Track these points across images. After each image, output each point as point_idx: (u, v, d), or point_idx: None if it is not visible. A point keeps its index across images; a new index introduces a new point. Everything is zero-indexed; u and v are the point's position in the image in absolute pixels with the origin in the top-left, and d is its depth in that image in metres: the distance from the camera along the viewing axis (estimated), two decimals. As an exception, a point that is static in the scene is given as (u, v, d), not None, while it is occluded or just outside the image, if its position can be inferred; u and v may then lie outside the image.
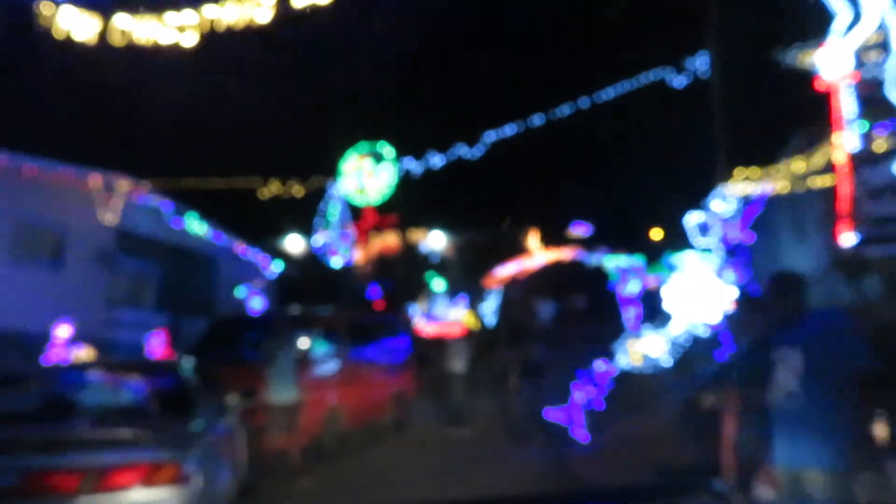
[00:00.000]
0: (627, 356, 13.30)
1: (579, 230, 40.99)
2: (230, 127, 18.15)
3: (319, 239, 19.14)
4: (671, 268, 34.31)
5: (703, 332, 14.82)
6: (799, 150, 14.22)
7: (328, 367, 10.89)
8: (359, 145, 24.91)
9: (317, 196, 18.67)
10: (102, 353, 14.52)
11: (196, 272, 19.79)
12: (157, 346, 14.14)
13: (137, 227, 17.41)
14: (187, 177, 17.13)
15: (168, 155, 17.68)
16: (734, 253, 12.25)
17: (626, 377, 12.28)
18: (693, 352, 12.06)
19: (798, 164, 11.73)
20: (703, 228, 12.72)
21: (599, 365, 11.86)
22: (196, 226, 18.10)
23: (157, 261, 19.32)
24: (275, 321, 9.71)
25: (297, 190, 15.91)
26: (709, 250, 23.09)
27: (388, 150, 25.01)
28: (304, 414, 9.92)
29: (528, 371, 12.59)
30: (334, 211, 19.18)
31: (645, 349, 13.87)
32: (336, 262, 20.04)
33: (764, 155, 14.14)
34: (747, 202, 12.32)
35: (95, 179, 16.03)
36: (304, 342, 9.97)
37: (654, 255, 29.66)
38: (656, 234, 51.42)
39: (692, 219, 12.97)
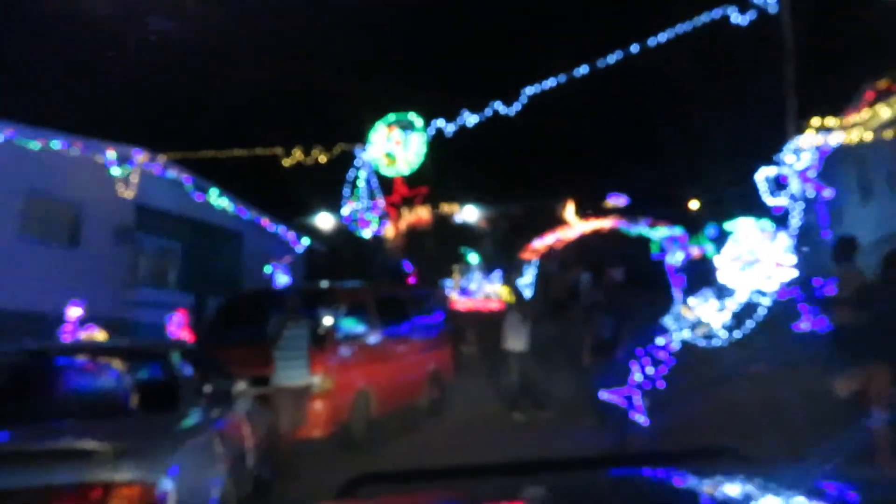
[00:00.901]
0: (686, 329, 11.80)
1: (617, 201, 39.28)
2: (252, 95, 16.86)
3: (347, 209, 17.78)
4: (715, 237, 32.52)
5: (769, 302, 13.28)
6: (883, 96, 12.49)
7: (356, 346, 9.62)
8: (387, 116, 23.54)
9: (344, 166, 17.30)
10: (118, 334, 13.47)
11: (221, 249, 18.67)
12: (176, 327, 13.07)
13: (157, 202, 16.31)
14: (208, 148, 15.93)
15: (187, 125, 16.45)
16: (813, 210, 10.65)
17: (689, 352, 10.80)
18: (765, 323, 10.50)
19: (884, 110, 10.08)
20: (779, 183, 11.09)
21: (659, 340, 10.41)
22: (219, 200, 16.91)
23: (179, 237, 18.25)
24: (286, 296, 8.40)
25: (322, 158, 14.55)
26: (767, 216, 21.33)
27: (417, 120, 23.61)
28: (330, 399, 8.69)
29: (597, 348, 11.30)
30: (362, 179, 17.81)
31: (706, 320, 12.35)
32: (366, 234, 18.71)
33: (839, 102, 12.43)
34: (824, 154, 10.69)
35: (110, 152, 14.90)
36: (327, 319, 8.68)
37: (694, 226, 27.99)
38: (694, 204, 49.53)
39: (763, 174, 11.35)
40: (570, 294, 27.11)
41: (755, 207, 22.65)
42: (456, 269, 23.34)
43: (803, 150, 10.65)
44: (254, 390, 6.73)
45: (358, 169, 17.58)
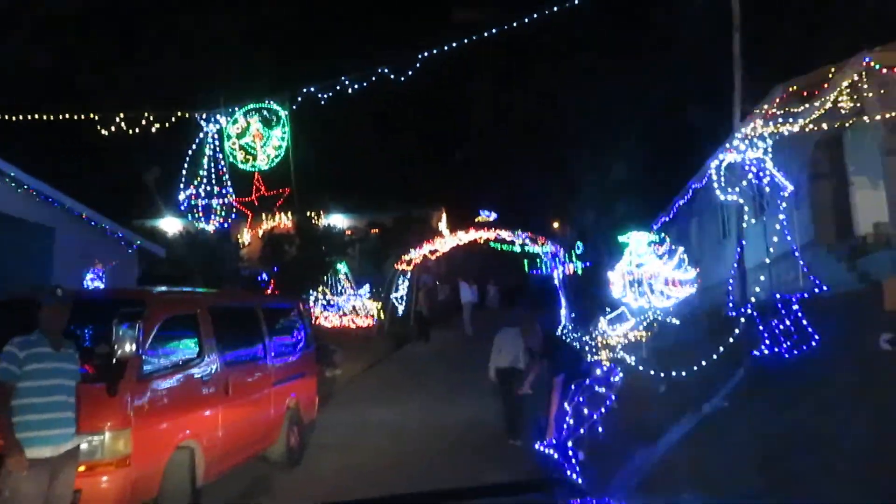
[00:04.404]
0: (608, 354, 9.33)
1: (487, 215, 37.43)
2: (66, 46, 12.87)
3: (185, 195, 14.01)
4: (582, 254, 31.13)
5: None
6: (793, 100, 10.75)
7: (177, 379, 6.24)
8: (247, 105, 20.07)
9: (184, 142, 13.57)
10: None
11: (24, 246, 14.25)
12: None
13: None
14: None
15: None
16: (770, 205, 8.54)
17: (630, 384, 8.27)
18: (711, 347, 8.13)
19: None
20: (732, 174, 8.88)
21: (593, 370, 7.77)
22: (19, 180, 12.72)
23: (-35, 230, 13.74)
24: (44, 303, 4.91)
25: (157, 126, 10.89)
26: (657, 231, 19.70)
27: (282, 111, 20.28)
28: (127, 467, 5.30)
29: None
30: (205, 157, 14.17)
31: (627, 343, 9.95)
32: (209, 227, 14.96)
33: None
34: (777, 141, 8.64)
35: None
36: (127, 340, 5.28)
37: (562, 243, 26.51)
38: (557, 223, 49.07)
39: (716, 162, 9.12)
40: (448, 305, 24.48)
41: (634, 224, 21.05)
42: (321, 280, 20.04)
43: (755, 137, 8.52)
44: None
45: (201, 144, 13.92)
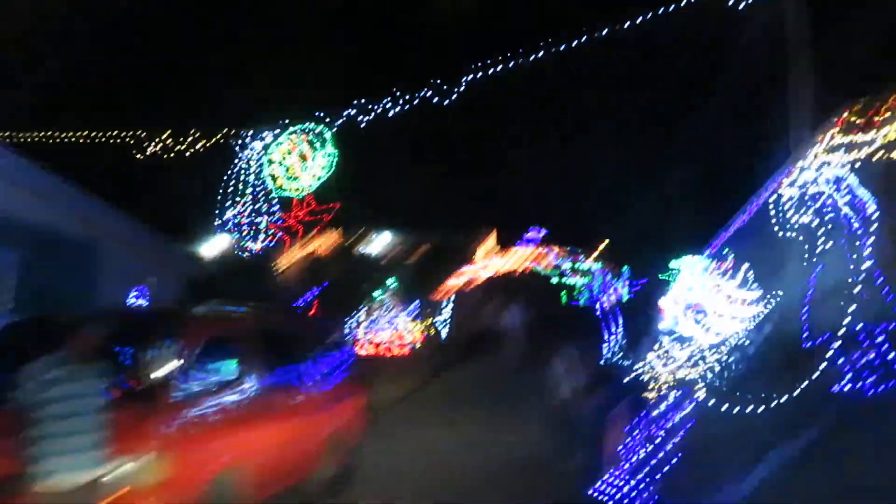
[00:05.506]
0: (671, 384, 8.73)
1: (538, 231, 36.66)
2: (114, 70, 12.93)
3: (231, 212, 13.82)
4: (633, 279, 30.18)
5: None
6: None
7: (216, 403, 5.89)
8: (294, 126, 20.05)
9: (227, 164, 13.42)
10: None
11: (72, 263, 14.25)
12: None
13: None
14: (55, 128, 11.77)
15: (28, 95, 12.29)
16: (850, 229, 7.91)
17: (703, 420, 7.65)
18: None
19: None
20: (805, 201, 8.28)
21: (649, 400, 7.19)
22: (63, 194, 12.74)
23: (14, 245, 13.78)
24: (74, 326, 4.56)
25: (202, 146, 10.76)
26: (713, 255, 18.88)
27: (327, 133, 20.21)
28: (163, 496, 4.95)
29: None
30: (252, 174, 14.01)
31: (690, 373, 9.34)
32: (255, 246, 14.74)
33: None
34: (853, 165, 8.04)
35: None
36: (163, 363, 4.95)
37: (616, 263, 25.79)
38: (604, 243, 48.03)
39: (785, 188, 8.54)
40: (491, 332, 23.90)
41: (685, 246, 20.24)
42: (365, 301, 19.72)
43: (828, 151, 7.91)
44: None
45: (246, 160, 13.77)
